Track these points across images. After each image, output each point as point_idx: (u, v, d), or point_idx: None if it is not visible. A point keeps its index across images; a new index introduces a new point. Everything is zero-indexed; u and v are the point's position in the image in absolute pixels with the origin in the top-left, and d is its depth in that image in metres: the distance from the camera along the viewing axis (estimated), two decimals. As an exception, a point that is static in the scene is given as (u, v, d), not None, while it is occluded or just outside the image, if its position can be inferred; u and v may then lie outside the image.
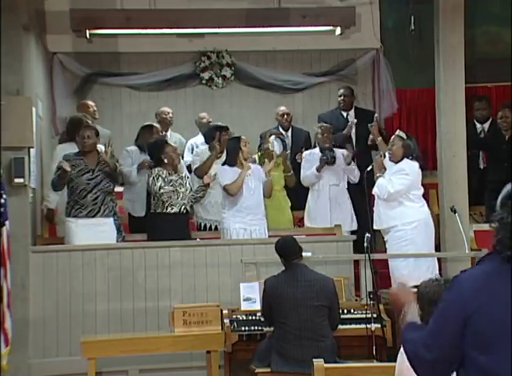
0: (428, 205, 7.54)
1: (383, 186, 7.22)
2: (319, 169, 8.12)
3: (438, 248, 7.52)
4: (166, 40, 9.44)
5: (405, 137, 7.34)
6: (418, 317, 2.84)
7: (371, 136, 8.36)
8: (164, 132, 8.70)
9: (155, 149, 7.55)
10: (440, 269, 7.18)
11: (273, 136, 8.18)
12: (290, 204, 8.25)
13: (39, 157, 7.73)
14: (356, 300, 6.62)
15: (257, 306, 6.18)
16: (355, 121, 8.75)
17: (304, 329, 5.58)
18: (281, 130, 9.03)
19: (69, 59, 9.60)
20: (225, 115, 9.73)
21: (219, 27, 8.92)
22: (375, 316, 6.09)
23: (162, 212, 7.31)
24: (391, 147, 7.36)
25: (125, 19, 8.38)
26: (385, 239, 7.41)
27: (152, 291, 6.96)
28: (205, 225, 8.13)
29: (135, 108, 9.78)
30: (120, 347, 6.00)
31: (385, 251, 7.39)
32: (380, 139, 7.99)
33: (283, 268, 5.84)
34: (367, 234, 6.22)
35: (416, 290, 3.20)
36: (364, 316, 6.17)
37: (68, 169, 6.96)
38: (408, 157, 7.26)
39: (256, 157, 8.14)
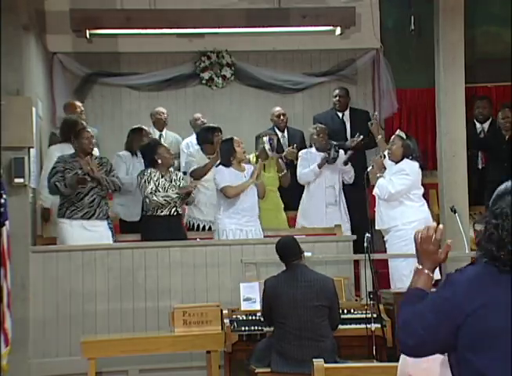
0: (428, 205, 7.54)
1: (383, 186, 7.22)
2: (320, 166, 8.11)
3: (437, 248, 7.51)
4: (166, 40, 9.44)
5: (404, 137, 7.34)
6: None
7: (355, 139, 8.40)
8: (159, 132, 8.71)
9: (148, 150, 7.56)
10: (440, 269, 7.17)
11: (266, 137, 8.17)
12: (283, 205, 8.25)
13: (39, 157, 7.74)
14: (356, 300, 6.62)
15: (257, 306, 6.18)
16: (361, 137, 8.64)
17: (304, 329, 5.58)
18: (277, 131, 9.03)
19: (69, 59, 9.60)
20: (225, 115, 9.74)
21: (219, 27, 8.91)
22: (375, 316, 6.08)
23: (153, 215, 7.32)
24: (390, 147, 7.37)
25: (125, 19, 8.36)
26: (385, 239, 7.41)
27: (152, 291, 6.96)
28: (198, 225, 8.11)
29: (135, 108, 9.78)
30: (120, 347, 6.00)
31: (385, 251, 7.39)
32: (380, 137, 8.00)
33: (283, 268, 5.84)
34: (367, 234, 6.22)
35: None
36: (364, 316, 6.16)
37: (87, 178, 6.97)
38: (408, 157, 7.27)
39: (251, 157, 8.12)
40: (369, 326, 6.04)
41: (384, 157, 7.46)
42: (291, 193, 8.35)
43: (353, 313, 6.40)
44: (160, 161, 7.41)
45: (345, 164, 8.24)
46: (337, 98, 9.16)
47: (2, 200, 5.58)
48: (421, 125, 10.19)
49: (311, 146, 8.54)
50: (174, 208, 7.38)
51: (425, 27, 8.96)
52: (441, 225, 2.73)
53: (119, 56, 9.79)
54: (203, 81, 9.94)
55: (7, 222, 5.67)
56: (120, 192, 7.67)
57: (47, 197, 7.69)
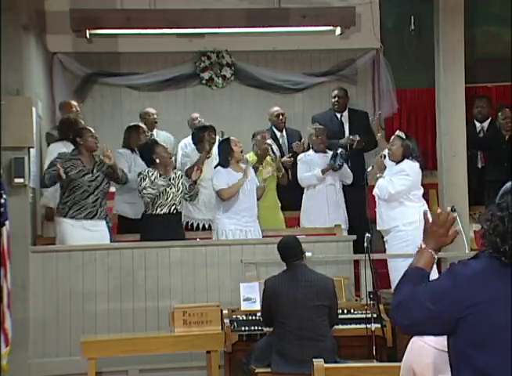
0: (428, 205, 7.53)
1: (383, 186, 7.22)
2: (324, 172, 8.10)
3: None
4: (166, 40, 9.44)
5: (404, 137, 7.34)
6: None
7: (351, 137, 8.42)
8: (149, 132, 8.70)
9: (146, 150, 7.56)
10: (440, 269, 7.17)
11: (270, 140, 8.17)
12: (280, 205, 8.25)
13: (39, 157, 7.73)
14: (356, 300, 6.62)
15: (257, 306, 6.18)
16: (358, 138, 8.67)
17: (304, 329, 5.58)
18: (275, 131, 9.03)
19: (69, 59, 9.60)
20: (225, 115, 9.74)
21: (219, 27, 8.91)
22: (375, 316, 6.08)
23: (152, 213, 7.32)
24: (390, 147, 7.37)
25: (125, 19, 8.37)
26: (385, 239, 7.41)
27: (152, 291, 6.96)
28: (198, 225, 8.11)
29: (135, 108, 9.76)
30: (120, 347, 5.99)
31: (384, 251, 7.39)
32: (379, 134, 8.01)
33: (283, 268, 5.84)
34: (367, 234, 6.21)
35: None
36: (364, 316, 6.16)
37: (62, 176, 6.94)
38: (408, 157, 7.26)
39: (248, 157, 8.11)
40: (369, 326, 6.04)
41: (385, 157, 7.46)
42: (290, 193, 8.35)
43: (353, 313, 6.40)
44: (158, 161, 7.41)
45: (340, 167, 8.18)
46: (336, 98, 9.15)
47: (2, 200, 5.59)
48: (421, 125, 10.19)
49: (309, 148, 8.53)
50: (174, 206, 7.37)
51: (425, 27, 8.96)
52: (455, 214, 2.75)
53: (119, 56, 9.79)
54: (203, 81, 9.94)
55: (7, 222, 5.68)
56: (124, 186, 7.72)
57: (51, 197, 7.71)
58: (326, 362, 4.27)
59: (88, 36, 8.56)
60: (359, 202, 7.75)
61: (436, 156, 7.94)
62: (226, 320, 6.23)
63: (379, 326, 6.03)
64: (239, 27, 8.82)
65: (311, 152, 8.37)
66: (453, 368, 2.53)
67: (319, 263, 6.73)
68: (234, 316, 6.32)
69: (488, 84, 10.20)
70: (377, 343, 5.99)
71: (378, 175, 7.33)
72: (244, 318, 6.30)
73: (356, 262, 7.00)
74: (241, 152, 7.55)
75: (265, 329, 6.11)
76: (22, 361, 6.57)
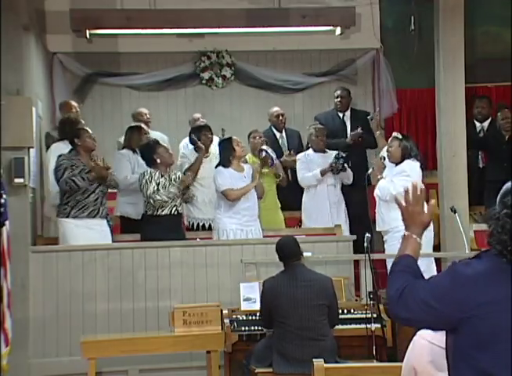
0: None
1: (384, 188, 7.22)
2: (323, 173, 8.10)
3: (437, 248, 7.52)
4: (166, 40, 9.44)
5: (401, 137, 7.34)
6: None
7: (352, 134, 8.44)
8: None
9: (147, 150, 7.56)
10: (440, 269, 7.17)
11: (266, 146, 8.16)
12: (280, 205, 8.25)
13: (39, 157, 7.73)
14: (356, 300, 6.62)
15: (257, 306, 6.17)
16: (361, 131, 8.68)
17: (304, 329, 5.59)
18: (275, 131, 9.02)
19: (69, 59, 9.60)
20: (225, 115, 9.74)
21: (219, 27, 8.91)
22: (375, 316, 6.08)
23: (153, 214, 7.32)
24: (389, 149, 7.37)
25: (125, 19, 8.37)
26: (384, 239, 7.41)
27: (152, 290, 6.96)
28: (198, 225, 8.11)
29: (135, 108, 9.76)
30: (120, 347, 5.99)
31: (383, 251, 7.39)
32: (378, 132, 8.01)
33: (283, 268, 5.84)
34: (367, 234, 6.21)
35: None
36: (364, 316, 6.16)
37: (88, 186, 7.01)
38: (407, 158, 7.26)
39: (248, 158, 8.10)
40: (369, 326, 6.04)
41: (384, 159, 7.46)
42: (290, 193, 8.35)
43: (353, 313, 6.40)
44: (159, 161, 7.42)
45: (344, 170, 8.18)
46: (339, 98, 9.14)
47: (2, 200, 5.58)
48: (421, 125, 10.19)
49: (308, 147, 8.53)
50: (175, 207, 7.38)
51: (425, 27, 8.95)
52: (421, 185, 2.75)
53: (119, 56, 9.79)
54: (203, 81, 9.94)
55: (7, 222, 5.67)
56: (126, 189, 7.73)
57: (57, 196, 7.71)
58: (326, 362, 4.28)
59: (88, 36, 8.56)
60: (360, 202, 7.75)
61: (436, 156, 7.93)
62: (226, 320, 6.23)
63: (379, 326, 6.03)
64: (239, 27, 8.82)
65: (310, 152, 8.37)
66: (452, 367, 2.51)
67: (319, 263, 6.73)
68: (234, 316, 6.32)
69: (488, 84, 10.20)
70: (377, 343, 5.99)
71: (379, 176, 7.34)
72: (244, 318, 6.30)
73: (356, 262, 7.00)
74: (243, 151, 7.56)
75: (265, 329, 6.11)
76: (22, 361, 6.57)
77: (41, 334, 6.82)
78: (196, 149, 8.12)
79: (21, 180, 6.77)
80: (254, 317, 6.26)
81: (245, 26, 8.73)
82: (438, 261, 7.29)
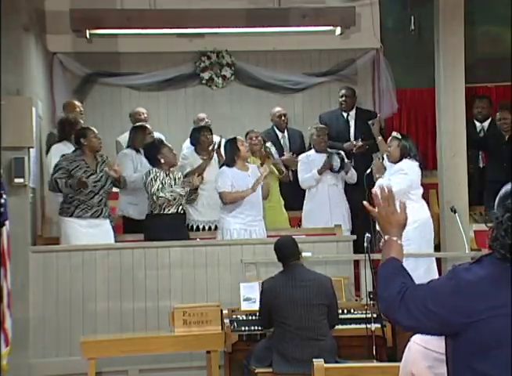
0: (428, 205, 7.53)
1: (381, 187, 7.21)
2: (320, 172, 8.10)
3: (437, 248, 7.52)
4: (166, 40, 9.44)
5: (400, 137, 7.34)
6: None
7: (354, 142, 8.44)
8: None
9: (152, 150, 7.56)
10: (440, 269, 7.18)
11: (269, 142, 8.18)
12: (283, 203, 8.26)
13: (39, 157, 7.73)
14: (356, 300, 6.63)
15: (257, 306, 6.17)
16: (360, 143, 8.68)
17: (304, 328, 5.59)
18: (277, 131, 9.03)
19: (69, 59, 9.59)
20: (225, 115, 9.74)
21: (219, 27, 8.91)
22: (375, 316, 6.08)
23: (159, 213, 7.31)
24: (388, 148, 7.37)
25: (125, 19, 8.37)
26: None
27: (152, 290, 6.96)
28: (197, 227, 8.10)
29: (135, 108, 9.77)
30: (120, 347, 5.99)
31: (384, 251, 7.37)
32: (380, 138, 8.00)
33: (282, 268, 5.85)
34: (367, 234, 6.21)
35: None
36: (364, 316, 6.16)
37: (88, 183, 7.01)
38: (406, 157, 7.26)
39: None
40: (369, 326, 6.03)
41: (383, 159, 7.46)
42: (291, 193, 8.35)
43: (353, 313, 6.40)
44: (163, 161, 7.42)
45: (346, 172, 8.20)
46: (343, 98, 9.13)
47: (2, 200, 5.58)
48: (421, 125, 10.18)
49: (310, 148, 8.53)
50: (180, 206, 7.39)
51: (425, 27, 8.96)
52: (386, 185, 2.76)
53: (119, 56, 9.78)
54: (203, 81, 9.94)
55: (7, 222, 5.67)
56: (127, 189, 7.75)
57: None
58: (326, 362, 4.28)
59: (88, 36, 8.57)
60: (362, 202, 7.73)
61: (436, 156, 7.94)
62: (226, 320, 6.23)
63: (379, 326, 6.03)
64: (239, 27, 8.82)
65: (312, 152, 8.37)
66: (453, 372, 2.48)
67: (319, 263, 6.73)
68: (234, 316, 6.32)
69: (488, 84, 10.19)
70: (377, 343, 5.98)
71: (377, 176, 7.33)
72: (244, 318, 6.30)
73: (356, 262, 7.00)
74: (247, 151, 7.57)
75: (264, 330, 6.10)
76: (22, 361, 6.57)
77: (41, 334, 6.82)
78: (197, 150, 8.12)
79: (21, 180, 6.77)
80: (254, 317, 6.26)
81: (245, 26, 8.73)
82: (438, 261, 7.29)
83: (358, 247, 7.05)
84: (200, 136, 8.12)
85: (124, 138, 8.68)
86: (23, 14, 7.07)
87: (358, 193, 7.98)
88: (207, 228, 8.08)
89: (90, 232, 7.11)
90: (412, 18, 9.33)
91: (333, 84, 9.87)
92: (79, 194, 7.09)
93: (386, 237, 2.68)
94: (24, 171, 6.78)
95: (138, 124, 8.44)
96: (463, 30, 7.56)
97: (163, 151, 7.46)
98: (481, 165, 9.12)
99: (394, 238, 2.68)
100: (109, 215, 7.34)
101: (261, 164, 7.88)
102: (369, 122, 8.22)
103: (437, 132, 7.86)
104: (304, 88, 10.04)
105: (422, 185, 7.36)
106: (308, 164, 8.23)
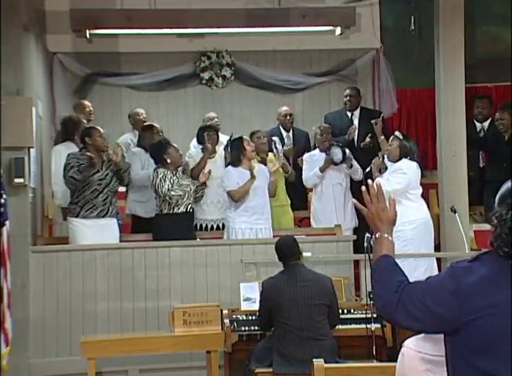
0: (428, 205, 7.53)
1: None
2: (322, 170, 8.11)
3: (437, 248, 7.52)
4: (166, 40, 9.44)
5: (401, 137, 7.34)
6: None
7: (367, 139, 8.44)
8: (138, 132, 8.68)
9: (158, 149, 7.57)
10: (440, 269, 7.17)
11: (276, 138, 8.21)
12: (290, 202, 8.27)
13: (39, 157, 7.73)
14: (356, 300, 6.62)
15: (257, 306, 6.17)
16: (356, 126, 8.72)
17: (305, 328, 5.59)
18: (282, 130, 9.04)
19: (69, 59, 9.60)
20: (225, 115, 9.73)
21: (219, 27, 8.92)
22: (375, 316, 6.07)
23: (169, 213, 7.32)
24: (388, 148, 7.38)
25: (125, 19, 8.38)
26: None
27: (152, 290, 6.96)
28: (201, 226, 8.11)
29: (135, 108, 9.77)
30: (120, 347, 5.99)
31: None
32: (382, 137, 8.01)
33: (282, 268, 5.85)
34: (367, 234, 6.21)
35: None
36: (364, 316, 6.15)
37: (94, 159, 6.97)
38: (406, 157, 7.26)
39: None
40: (369, 326, 6.03)
41: (383, 158, 7.46)
42: (295, 193, 8.36)
43: (353, 313, 6.40)
44: (169, 161, 7.44)
45: (350, 166, 8.20)
46: (348, 98, 9.14)
47: (2, 200, 5.58)
48: (421, 125, 10.19)
49: (315, 147, 8.54)
50: (190, 205, 7.41)
51: (425, 27, 8.96)
52: (376, 181, 2.76)
53: (119, 56, 9.78)
54: (203, 81, 9.94)
55: (7, 222, 5.67)
56: (133, 186, 7.77)
57: (61, 197, 7.70)
58: (326, 362, 4.28)
59: (88, 36, 8.57)
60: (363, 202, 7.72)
61: (436, 156, 7.94)
62: (226, 320, 6.23)
63: (379, 326, 6.03)
64: (239, 27, 8.83)
65: (316, 152, 8.37)
66: (453, 371, 2.47)
67: (319, 263, 6.73)
68: (234, 316, 6.32)
69: (488, 84, 10.20)
70: (377, 343, 5.98)
71: (376, 175, 7.34)
72: (244, 318, 6.30)
73: (356, 262, 7.00)
74: (253, 151, 7.58)
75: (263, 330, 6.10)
76: (22, 361, 6.58)
77: (41, 334, 6.82)
78: (203, 149, 8.14)
79: (21, 180, 6.77)
80: (254, 317, 6.25)
81: (245, 26, 8.73)
82: (438, 261, 7.29)
83: (358, 247, 7.05)
84: (203, 135, 8.13)
85: (123, 139, 8.70)
86: (23, 14, 7.07)
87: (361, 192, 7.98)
88: (215, 227, 8.08)
89: (96, 232, 7.11)
90: (412, 18, 9.33)
91: (333, 84, 9.88)
92: (83, 193, 7.08)
93: (377, 234, 2.69)
94: (24, 171, 6.78)
95: (146, 123, 8.47)
96: (463, 30, 7.56)
97: (169, 151, 7.47)
98: (481, 165, 9.12)
99: (385, 235, 2.68)
100: (116, 213, 7.33)
101: (261, 163, 7.91)
102: (372, 121, 8.22)
103: (437, 132, 7.86)
104: (304, 88, 10.04)
105: (422, 185, 7.36)
106: (312, 164, 8.24)
